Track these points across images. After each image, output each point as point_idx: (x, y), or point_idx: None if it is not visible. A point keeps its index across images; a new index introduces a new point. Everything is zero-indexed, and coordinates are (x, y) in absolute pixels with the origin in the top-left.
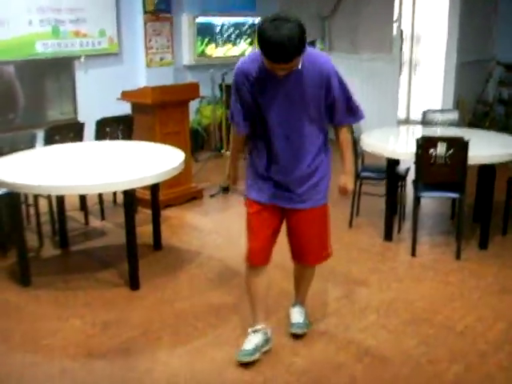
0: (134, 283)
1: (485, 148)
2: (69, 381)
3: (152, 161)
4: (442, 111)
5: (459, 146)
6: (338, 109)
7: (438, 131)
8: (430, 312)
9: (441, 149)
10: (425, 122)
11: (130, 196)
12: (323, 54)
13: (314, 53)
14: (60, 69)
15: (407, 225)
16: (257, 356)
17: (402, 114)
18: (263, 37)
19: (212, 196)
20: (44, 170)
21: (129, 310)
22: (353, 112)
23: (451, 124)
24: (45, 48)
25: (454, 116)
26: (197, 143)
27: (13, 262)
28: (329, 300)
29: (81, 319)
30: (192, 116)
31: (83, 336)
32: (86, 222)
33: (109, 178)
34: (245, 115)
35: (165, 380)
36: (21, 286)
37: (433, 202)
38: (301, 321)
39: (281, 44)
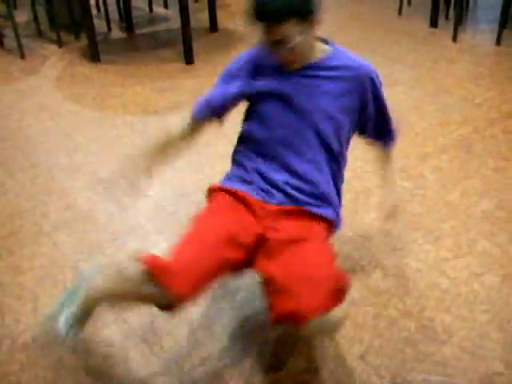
0: (188, 58)
1: None
2: (129, 129)
3: None
4: None
5: None
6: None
7: None
8: (455, 86)
9: None
10: None
11: None
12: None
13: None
14: None
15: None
16: None
17: None
18: None
19: None
20: None
21: (182, 78)
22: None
23: None
24: None
25: None
26: None
27: (84, 44)
28: None
29: (141, 86)
30: None
31: (142, 98)
32: (151, 10)
33: None
34: None
35: None
36: (91, 62)
37: None
38: None
39: None
